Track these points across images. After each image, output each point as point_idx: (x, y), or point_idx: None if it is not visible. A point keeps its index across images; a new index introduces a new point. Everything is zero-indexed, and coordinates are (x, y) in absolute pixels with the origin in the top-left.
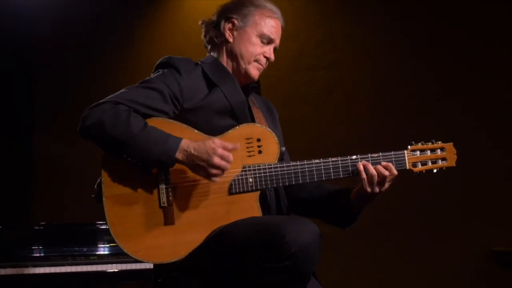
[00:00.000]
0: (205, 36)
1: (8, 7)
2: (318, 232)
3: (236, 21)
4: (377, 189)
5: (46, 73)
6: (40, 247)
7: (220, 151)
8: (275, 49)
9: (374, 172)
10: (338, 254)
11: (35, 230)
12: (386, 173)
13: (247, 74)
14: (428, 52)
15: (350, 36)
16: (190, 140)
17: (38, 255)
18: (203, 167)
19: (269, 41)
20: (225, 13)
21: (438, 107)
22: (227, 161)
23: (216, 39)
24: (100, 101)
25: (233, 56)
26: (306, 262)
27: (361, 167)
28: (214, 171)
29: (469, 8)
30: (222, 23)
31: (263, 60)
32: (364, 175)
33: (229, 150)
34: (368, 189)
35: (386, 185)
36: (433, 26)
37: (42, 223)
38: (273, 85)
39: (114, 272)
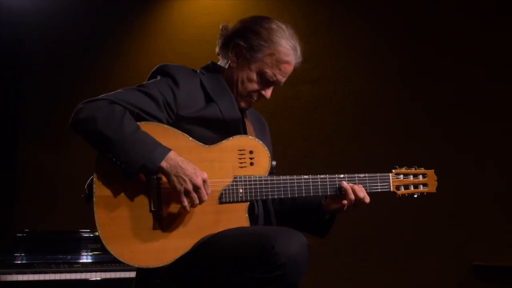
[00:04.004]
0: (218, 45)
1: None
2: (306, 243)
3: (243, 51)
4: (352, 209)
5: (32, 81)
6: (23, 255)
7: (205, 176)
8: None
9: (353, 197)
10: (319, 269)
11: (18, 237)
12: (362, 198)
13: (236, 101)
14: (412, 72)
15: (337, 52)
16: (178, 155)
17: (21, 262)
18: (184, 181)
19: (271, 83)
20: (237, 36)
21: (421, 126)
22: (206, 190)
23: (223, 56)
24: (96, 98)
25: (231, 79)
26: (295, 273)
27: (349, 188)
28: (191, 188)
29: (456, 33)
30: (231, 45)
31: (257, 97)
32: (352, 196)
33: (207, 188)
34: (346, 206)
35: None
36: (419, 48)
37: (25, 230)
38: None
39: (97, 280)
